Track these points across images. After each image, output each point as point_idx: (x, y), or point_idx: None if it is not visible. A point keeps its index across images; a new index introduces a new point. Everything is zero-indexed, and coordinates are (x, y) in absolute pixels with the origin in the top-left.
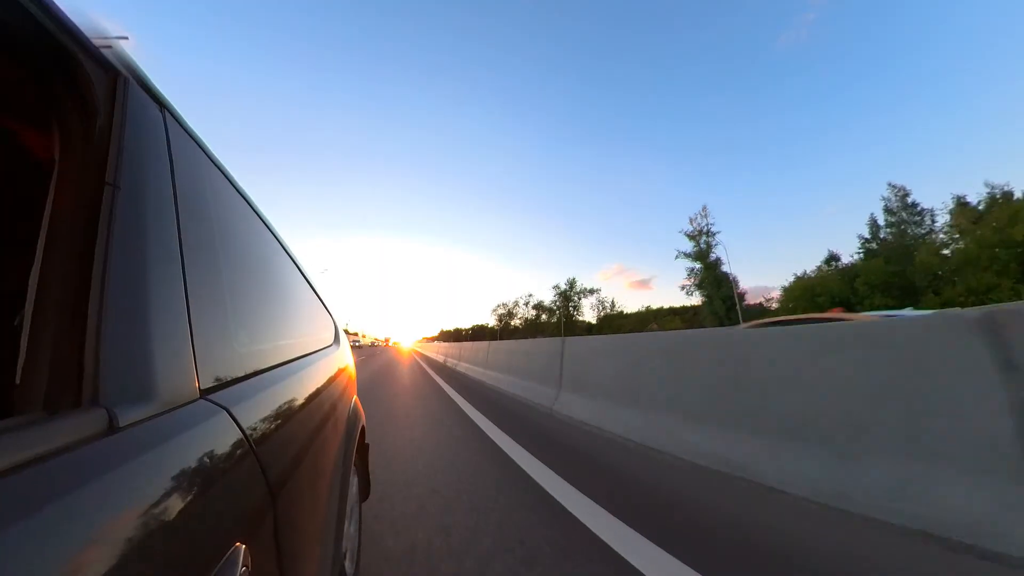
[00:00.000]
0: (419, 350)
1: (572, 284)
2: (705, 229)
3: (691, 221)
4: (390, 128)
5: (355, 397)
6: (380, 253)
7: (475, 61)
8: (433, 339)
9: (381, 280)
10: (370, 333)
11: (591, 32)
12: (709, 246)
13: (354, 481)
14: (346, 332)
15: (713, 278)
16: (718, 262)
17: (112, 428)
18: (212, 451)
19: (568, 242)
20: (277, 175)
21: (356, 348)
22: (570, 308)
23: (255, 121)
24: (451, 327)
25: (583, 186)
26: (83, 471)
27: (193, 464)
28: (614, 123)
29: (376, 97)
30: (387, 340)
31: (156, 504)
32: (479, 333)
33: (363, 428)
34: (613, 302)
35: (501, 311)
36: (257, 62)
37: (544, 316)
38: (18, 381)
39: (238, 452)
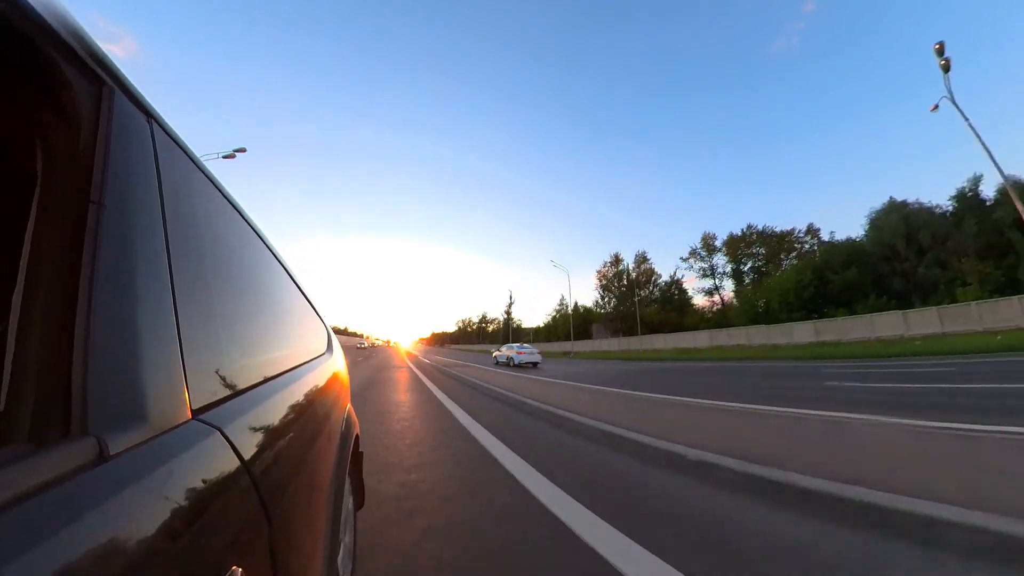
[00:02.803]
0: (413, 351)
1: (484, 316)
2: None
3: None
4: (391, 126)
5: (349, 406)
6: (382, 254)
7: (475, 61)
8: (426, 340)
9: (383, 283)
10: (372, 334)
11: (592, 32)
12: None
13: (348, 491)
14: (353, 334)
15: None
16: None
17: (102, 457)
18: (206, 474)
19: (567, 241)
20: (274, 174)
21: (361, 348)
22: (483, 325)
23: (247, 119)
24: (440, 330)
25: (583, 185)
26: (74, 505)
27: (187, 489)
28: (612, 123)
29: (378, 96)
30: (388, 341)
31: (151, 534)
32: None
33: (357, 437)
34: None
35: (461, 324)
36: (246, 58)
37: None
38: (1, 408)
39: (232, 473)
